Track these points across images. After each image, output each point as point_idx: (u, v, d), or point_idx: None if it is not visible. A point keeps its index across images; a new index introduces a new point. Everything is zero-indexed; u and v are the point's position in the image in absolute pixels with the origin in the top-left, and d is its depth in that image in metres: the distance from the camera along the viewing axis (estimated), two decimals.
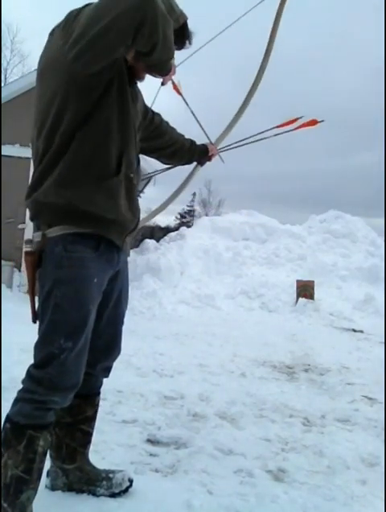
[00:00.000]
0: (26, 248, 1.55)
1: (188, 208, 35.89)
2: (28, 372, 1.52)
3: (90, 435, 1.87)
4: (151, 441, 2.41)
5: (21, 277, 7.07)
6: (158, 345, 4.66)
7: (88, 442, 1.87)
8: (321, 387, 3.61)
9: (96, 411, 1.87)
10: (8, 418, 1.52)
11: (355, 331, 6.21)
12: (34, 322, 1.56)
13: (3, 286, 6.96)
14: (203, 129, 2.31)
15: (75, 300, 1.49)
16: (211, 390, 3.30)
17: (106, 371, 1.83)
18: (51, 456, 1.82)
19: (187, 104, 2.19)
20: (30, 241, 1.54)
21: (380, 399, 3.31)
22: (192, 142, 2.14)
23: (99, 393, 1.88)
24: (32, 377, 1.50)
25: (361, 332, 6.15)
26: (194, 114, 2.33)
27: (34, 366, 1.51)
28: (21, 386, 1.53)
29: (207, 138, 2.26)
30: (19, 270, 7.18)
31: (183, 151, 2.10)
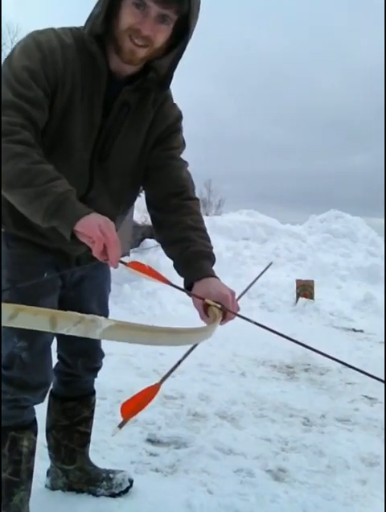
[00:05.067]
0: None
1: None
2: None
3: (88, 435, 1.85)
4: (151, 441, 2.41)
5: None
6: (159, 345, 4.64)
7: (87, 441, 1.85)
8: (321, 387, 3.60)
9: (92, 411, 1.84)
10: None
11: (355, 331, 6.21)
12: None
13: None
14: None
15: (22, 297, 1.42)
16: (211, 389, 3.30)
17: (92, 371, 1.76)
18: (50, 456, 1.83)
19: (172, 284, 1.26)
20: None
21: (380, 399, 3.31)
22: (194, 268, 1.32)
23: (93, 392, 1.85)
24: (2, 377, 1.47)
25: (361, 331, 6.14)
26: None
27: (2, 367, 1.47)
28: None
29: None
30: None
31: (179, 267, 1.38)
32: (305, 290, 7.43)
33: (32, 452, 1.54)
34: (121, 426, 0.80)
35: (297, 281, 7.57)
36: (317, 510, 1.89)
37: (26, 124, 1.19)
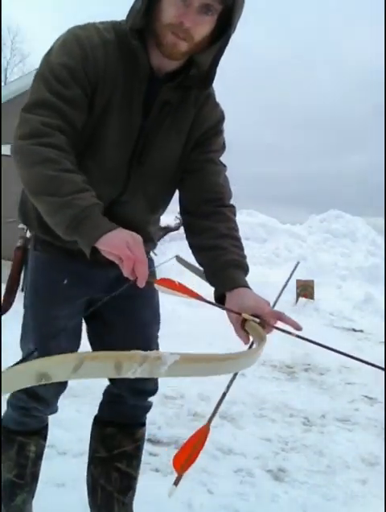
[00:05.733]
0: (18, 242, 1.52)
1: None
2: None
3: (131, 479, 1.53)
4: (151, 441, 2.41)
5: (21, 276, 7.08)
6: (159, 345, 4.65)
7: (129, 489, 1.54)
8: (321, 387, 3.61)
9: (137, 448, 1.55)
10: (0, 422, 1.50)
11: (355, 330, 6.21)
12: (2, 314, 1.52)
13: (3, 286, 6.96)
14: None
15: (37, 302, 1.39)
16: (211, 389, 3.30)
17: (138, 395, 1.49)
18: (89, 503, 1.58)
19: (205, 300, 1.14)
20: (23, 237, 1.51)
21: (380, 399, 3.31)
22: (230, 278, 1.24)
23: (141, 424, 1.56)
24: None
25: (361, 331, 6.14)
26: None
27: None
28: None
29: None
30: None
31: (209, 276, 1.29)
32: (305, 290, 7.43)
33: (39, 456, 1.52)
34: (176, 483, 0.74)
35: (297, 281, 7.56)
36: (317, 510, 1.89)
37: (63, 126, 1.12)
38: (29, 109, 1.13)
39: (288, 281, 1.42)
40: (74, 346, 1.42)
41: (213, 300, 1.25)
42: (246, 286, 1.23)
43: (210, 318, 6.65)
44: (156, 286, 1.12)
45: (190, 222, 1.37)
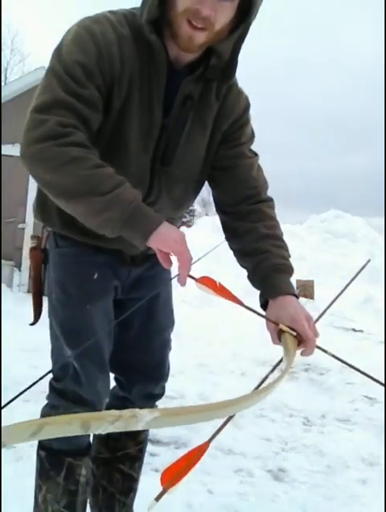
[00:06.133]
0: (31, 243, 1.44)
1: (188, 209, 35.86)
2: (50, 385, 1.32)
3: (132, 480, 1.51)
4: (151, 441, 2.41)
5: (21, 277, 7.08)
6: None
7: (131, 490, 1.52)
8: (321, 387, 3.61)
9: (140, 451, 1.53)
10: (40, 443, 1.32)
11: (355, 330, 6.21)
12: (33, 324, 1.42)
13: (3, 285, 6.95)
14: None
15: (69, 300, 1.29)
16: (211, 389, 3.30)
17: (147, 398, 1.46)
18: (89, 503, 1.53)
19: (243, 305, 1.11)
20: (35, 237, 1.42)
21: (380, 399, 3.31)
22: (273, 285, 1.19)
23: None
24: (55, 390, 1.30)
25: (361, 331, 6.15)
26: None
27: (53, 379, 1.31)
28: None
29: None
30: (19, 270, 7.18)
31: (253, 281, 1.26)
32: (305, 290, 7.43)
33: (89, 482, 1.37)
34: (157, 498, 0.69)
35: (297, 281, 7.56)
36: (317, 510, 1.89)
37: (79, 125, 1.05)
38: (42, 109, 1.04)
39: (354, 278, 1.41)
40: (110, 343, 1.34)
41: (258, 304, 1.20)
42: (290, 292, 1.18)
43: (211, 319, 6.66)
44: (197, 285, 1.08)
45: (228, 224, 1.30)
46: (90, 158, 1.02)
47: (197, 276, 1.07)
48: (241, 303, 1.08)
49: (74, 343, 1.26)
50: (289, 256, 1.24)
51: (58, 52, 1.09)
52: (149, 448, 2.32)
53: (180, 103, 1.16)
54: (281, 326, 1.09)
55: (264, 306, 1.20)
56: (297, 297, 1.20)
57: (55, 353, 1.32)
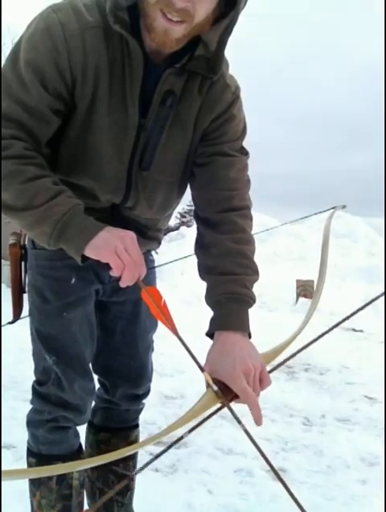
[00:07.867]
0: (10, 240, 1.38)
1: (188, 208, 35.87)
2: (33, 388, 1.29)
3: (129, 480, 1.48)
4: None
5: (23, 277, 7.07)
6: (159, 345, 4.64)
7: (127, 489, 1.51)
8: (321, 387, 3.60)
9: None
10: (29, 450, 1.30)
11: (355, 331, 6.21)
12: (12, 322, 1.41)
13: (3, 285, 6.95)
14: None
15: (45, 306, 1.23)
16: None
17: (132, 400, 1.45)
18: (89, 505, 1.53)
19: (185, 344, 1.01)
20: (15, 233, 1.36)
21: (380, 399, 3.31)
22: (224, 304, 1.07)
23: (135, 426, 1.52)
24: (38, 394, 1.27)
25: (361, 331, 6.14)
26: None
27: (36, 382, 1.29)
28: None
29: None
30: None
31: (206, 296, 1.13)
32: (305, 290, 7.44)
33: (83, 484, 1.35)
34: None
35: (297, 281, 7.57)
36: (317, 510, 1.89)
37: (22, 135, 0.98)
38: None
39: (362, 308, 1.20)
40: (93, 346, 1.31)
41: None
42: (241, 329, 1.04)
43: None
44: (142, 293, 1.01)
45: (199, 232, 1.18)
46: (25, 170, 0.95)
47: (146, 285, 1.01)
48: (175, 331, 0.98)
49: (52, 348, 1.22)
50: (256, 280, 1.10)
51: (14, 50, 1.02)
52: (150, 447, 2.32)
53: (159, 100, 1.04)
54: (205, 375, 0.94)
55: (210, 336, 1.07)
56: (249, 336, 1.06)
57: (36, 357, 1.28)
